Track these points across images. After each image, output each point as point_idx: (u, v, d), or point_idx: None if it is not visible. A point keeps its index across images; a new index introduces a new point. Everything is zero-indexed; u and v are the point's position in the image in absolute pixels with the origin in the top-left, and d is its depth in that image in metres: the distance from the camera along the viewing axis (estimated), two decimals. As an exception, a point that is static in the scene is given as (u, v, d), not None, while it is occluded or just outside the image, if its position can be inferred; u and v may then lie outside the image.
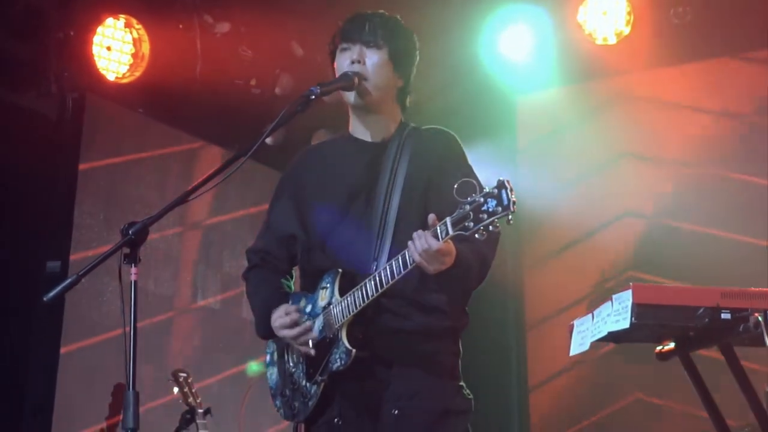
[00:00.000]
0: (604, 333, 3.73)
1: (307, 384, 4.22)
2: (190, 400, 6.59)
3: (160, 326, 8.42)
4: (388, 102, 4.36)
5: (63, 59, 7.72)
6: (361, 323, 4.10)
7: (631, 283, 3.62)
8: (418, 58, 4.41)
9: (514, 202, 3.67)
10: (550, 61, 8.72)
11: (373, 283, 4.01)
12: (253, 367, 4.34)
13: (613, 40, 8.54)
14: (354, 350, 4.06)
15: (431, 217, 3.84)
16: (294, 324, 4.20)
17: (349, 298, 4.08)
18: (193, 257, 8.88)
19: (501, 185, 3.70)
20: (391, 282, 3.96)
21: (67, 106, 7.86)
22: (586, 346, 3.87)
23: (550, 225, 8.96)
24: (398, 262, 3.93)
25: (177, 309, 8.65)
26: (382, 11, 4.38)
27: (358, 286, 4.05)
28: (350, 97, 4.27)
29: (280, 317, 4.23)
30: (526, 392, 9.02)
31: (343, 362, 4.08)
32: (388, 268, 3.96)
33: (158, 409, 7.65)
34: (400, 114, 4.41)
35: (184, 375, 6.71)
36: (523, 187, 8.60)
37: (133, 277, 3.72)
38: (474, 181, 3.84)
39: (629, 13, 8.46)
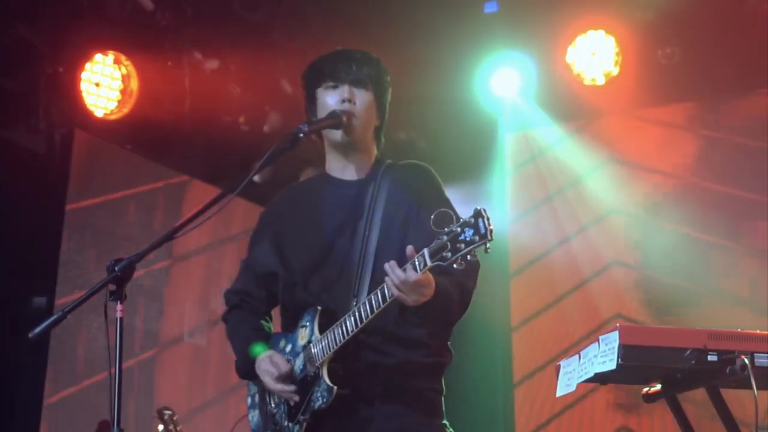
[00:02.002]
0: (590, 374, 3.71)
1: (289, 424, 4.19)
2: (175, 438, 6.56)
3: (146, 363, 8.38)
4: (369, 140, 4.38)
5: (51, 95, 7.72)
6: (342, 360, 4.08)
7: (617, 324, 3.60)
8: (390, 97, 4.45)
9: (491, 231, 3.65)
10: (539, 101, 8.76)
11: (352, 318, 3.99)
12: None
13: (601, 81, 8.58)
14: (335, 387, 4.03)
15: (409, 248, 3.83)
16: (281, 378, 4.18)
17: (329, 336, 4.06)
18: (180, 294, 8.85)
19: (478, 214, 3.68)
20: (370, 316, 3.94)
21: (55, 141, 7.86)
22: (572, 387, 3.85)
23: (536, 264, 8.96)
24: (377, 296, 3.92)
25: (163, 345, 8.61)
26: (363, 51, 4.40)
27: (338, 323, 4.04)
28: (336, 134, 4.27)
29: (265, 363, 4.22)
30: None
31: (324, 400, 4.05)
32: (367, 302, 3.95)
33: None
34: (375, 151, 4.42)
35: (170, 413, 6.68)
36: (511, 231, 8.62)
37: (118, 314, 3.70)
38: (451, 212, 3.83)
39: (618, 54, 8.51)
